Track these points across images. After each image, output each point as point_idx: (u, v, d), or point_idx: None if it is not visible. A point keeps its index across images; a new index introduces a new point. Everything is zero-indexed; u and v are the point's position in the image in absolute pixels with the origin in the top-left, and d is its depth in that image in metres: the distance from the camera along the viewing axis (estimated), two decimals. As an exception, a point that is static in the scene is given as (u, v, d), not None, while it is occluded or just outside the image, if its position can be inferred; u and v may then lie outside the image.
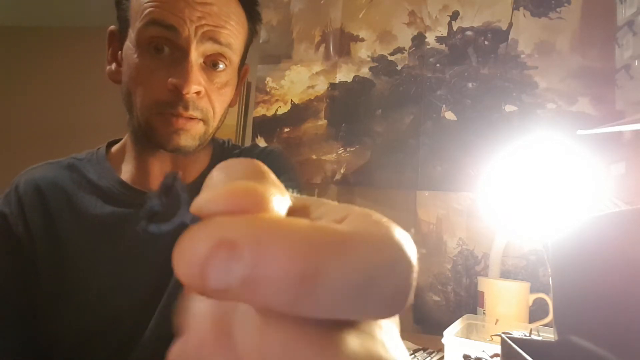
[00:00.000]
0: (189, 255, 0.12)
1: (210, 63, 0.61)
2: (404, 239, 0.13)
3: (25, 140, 2.16)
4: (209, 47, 0.59)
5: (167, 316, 0.62)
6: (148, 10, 0.57)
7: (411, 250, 0.13)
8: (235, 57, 0.63)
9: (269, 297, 0.11)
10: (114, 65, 0.66)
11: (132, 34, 0.60)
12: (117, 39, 0.65)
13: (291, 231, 0.12)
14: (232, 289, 0.11)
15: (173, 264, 0.12)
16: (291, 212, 0.14)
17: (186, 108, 0.59)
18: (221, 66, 0.62)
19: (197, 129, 0.62)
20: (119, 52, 0.64)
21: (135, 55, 0.59)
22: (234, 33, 0.61)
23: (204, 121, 0.62)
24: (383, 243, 0.12)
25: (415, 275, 0.13)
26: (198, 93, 0.59)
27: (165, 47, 0.58)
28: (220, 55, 0.61)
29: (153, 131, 0.60)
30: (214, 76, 0.61)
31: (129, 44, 0.61)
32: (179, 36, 0.57)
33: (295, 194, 0.16)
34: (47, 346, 0.62)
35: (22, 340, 0.61)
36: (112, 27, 0.66)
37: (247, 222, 0.12)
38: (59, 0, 2.00)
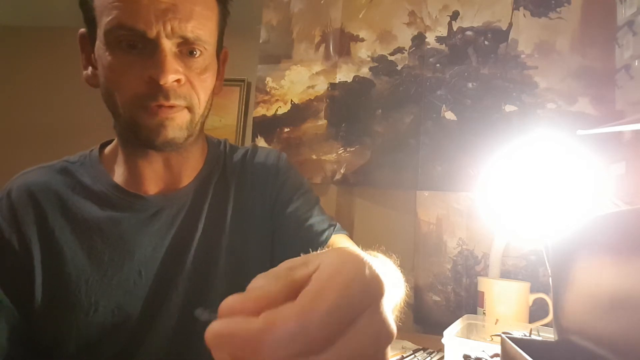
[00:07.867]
0: None
1: (187, 51, 0.60)
2: None
3: (16, 142, 2.15)
4: (179, 41, 0.59)
5: (167, 318, 0.62)
6: (114, 13, 0.56)
7: None
8: (209, 45, 0.62)
9: None
10: (90, 70, 0.64)
11: (100, 34, 0.59)
12: (88, 41, 0.63)
13: None
14: None
15: None
16: None
17: (167, 98, 0.58)
18: (197, 53, 0.61)
19: (183, 117, 0.60)
20: (92, 55, 0.63)
21: (108, 54, 0.58)
22: (201, 22, 0.59)
23: (189, 108, 0.61)
24: None
25: None
26: (178, 81, 0.58)
27: (138, 43, 0.57)
28: (193, 44, 0.60)
29: (139, 127, 0.59)
30: (192, 62, 0.60)
31: (99, 44, 0.59)
32: (148, 35, 0.56)
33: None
34: (47, 351, 0.61)
35: (19, 346, 0.60)
36: (82, 30, 0.64)
37: None
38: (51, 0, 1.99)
